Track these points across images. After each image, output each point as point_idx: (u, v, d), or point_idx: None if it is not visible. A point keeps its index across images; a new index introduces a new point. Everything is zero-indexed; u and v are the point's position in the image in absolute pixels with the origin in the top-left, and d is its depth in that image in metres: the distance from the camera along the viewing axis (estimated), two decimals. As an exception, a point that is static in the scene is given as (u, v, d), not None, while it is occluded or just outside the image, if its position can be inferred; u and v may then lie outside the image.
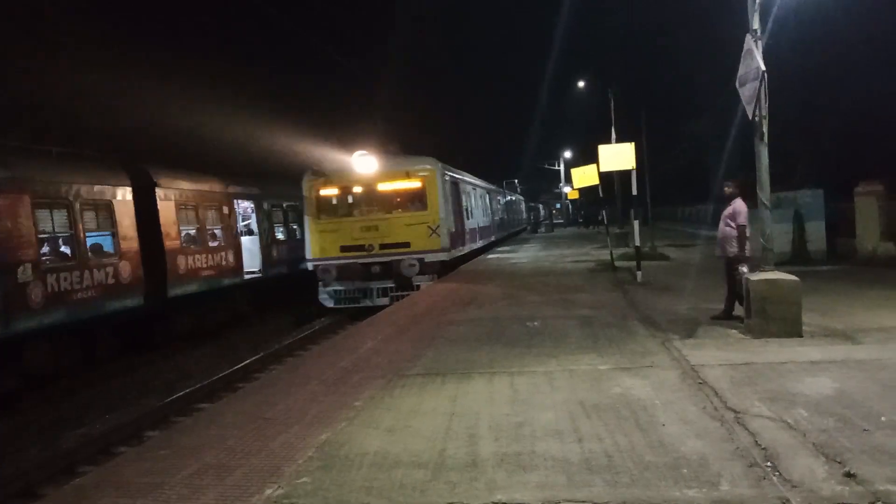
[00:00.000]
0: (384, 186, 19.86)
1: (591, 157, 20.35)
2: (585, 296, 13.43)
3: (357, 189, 20.07)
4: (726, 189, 10.11)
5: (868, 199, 16.23)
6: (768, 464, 4.52)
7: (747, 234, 9.73)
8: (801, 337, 8.31)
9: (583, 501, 4.15)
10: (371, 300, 19.09)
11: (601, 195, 22.48)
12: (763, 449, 4.78)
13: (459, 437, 5.44)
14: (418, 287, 18.24)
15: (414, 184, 19.67)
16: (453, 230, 20.58)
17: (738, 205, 9.83)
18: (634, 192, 16.50)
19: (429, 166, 19.65)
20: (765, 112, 8.49)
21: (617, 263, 18.94)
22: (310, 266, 19.71)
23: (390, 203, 20.07)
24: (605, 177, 19.96)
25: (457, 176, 23.49)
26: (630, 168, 15.77)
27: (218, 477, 4.95)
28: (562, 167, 64.37)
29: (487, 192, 33.88)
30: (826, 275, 14.34)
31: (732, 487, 4.21)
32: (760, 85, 8.32)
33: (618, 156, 15.88)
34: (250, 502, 4.46)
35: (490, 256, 27.34)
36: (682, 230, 40.84)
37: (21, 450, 9.84)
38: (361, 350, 9.32)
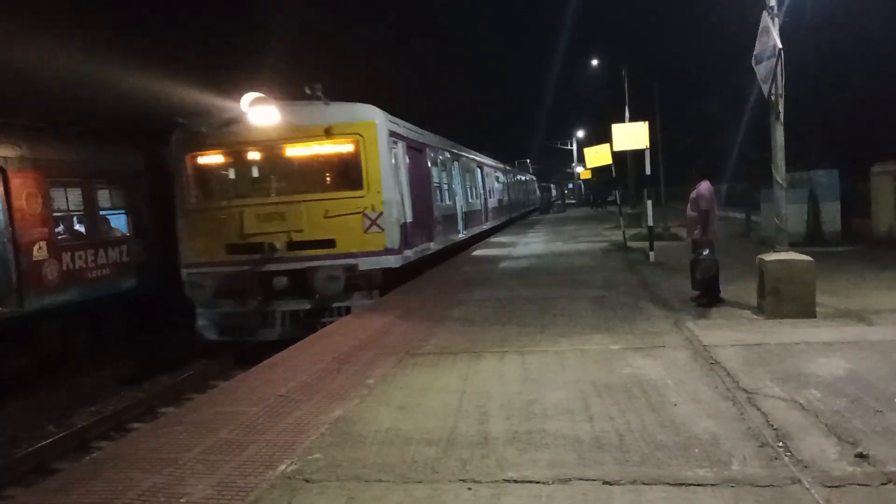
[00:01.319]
0: (294, 151, 12.99)
1: (603, 137, 20.25)
2: (598, 276, 13.41)
3: (252, 155, 13.34)
4: (692, 173, 10.16)
5: (884, 179, 16.08)
6: (780, 444, 4.52)
7: (711, 217, 9.70)
8: (815, 318, 8.27)
9: (594, 480, 4.16)
10: (274, 331, 12.43)
11: (614, 175, 22.35)
12: (775, 429, 4.78)
13: (471, 415, 5.47)
14: (347, 311, 12.10)
15: (341, 146, 12.87)
16: (410, 220, 13.98)
17: (703, 188, 9.76)
18: (648, 171, 16.39)
19: (364, 118, 12.71)
20: (781, 90, 8.40)
21: (630, 244, 18.88)
22: (183, 275, 12.97)
23: (304, 177, 13.16)
24: (617, 156, 19.83)
25: (419, 138, 16.39)
26: (643, 147, 15.67)
27: (232, 453, 5.00)
28: (574, 147, 64.00)
29: (481, 167, 27.24)
30: (840, 255, 14.24)
31: (744, 467, 4.21)
32: (777, 63, 8.23)
33: (631, 135, 15.78)
34: (264, 478, 4.50)
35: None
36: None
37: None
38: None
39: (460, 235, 20.92)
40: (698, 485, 4.02)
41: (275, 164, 13.29)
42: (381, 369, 7.04)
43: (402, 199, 13.67)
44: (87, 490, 4.53)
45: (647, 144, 15.61)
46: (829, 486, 3.91)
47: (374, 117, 12.86)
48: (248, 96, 12.27)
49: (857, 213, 17.19)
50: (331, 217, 12.54)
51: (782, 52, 8.17)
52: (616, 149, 16.81)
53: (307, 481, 4.41)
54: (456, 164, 21.45)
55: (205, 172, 13.59)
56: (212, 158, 13.51)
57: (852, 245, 15.94)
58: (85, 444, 9.21)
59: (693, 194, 9.90)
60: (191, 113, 13.28)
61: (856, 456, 4.26)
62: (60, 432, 9.61)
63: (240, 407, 6.14)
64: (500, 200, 32.79)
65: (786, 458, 4.30)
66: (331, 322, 11.04)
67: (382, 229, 12.55)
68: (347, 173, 12.94)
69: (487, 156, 31.42)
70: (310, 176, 13.33)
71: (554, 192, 79.91)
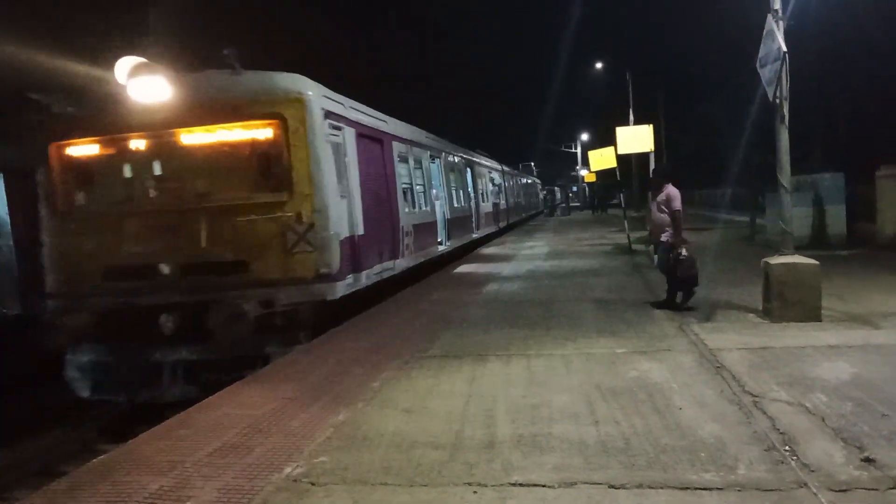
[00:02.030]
0: (192, 138, 9.66)
1: (607, 140, 20.25)
2: (602, 279, 13.39)
3: (136, 144, 9.80)
4: (655, 176, 10.21)
5: (889, 183, 16.03)
6: (786, 448, 4.52)
7: (681, 219, 9.68)
8: (820, 321, 8.26)
9: (599, 483, 4.16)
10: (161, 391, 8.93)
11: (618, 178, 22.35)
12: (781, 433, 4.78)
13: (476, 419, 5.47)
14: (265, 361, 8.49)
15: (256, 132, 9.54)
16: (361, 233, 10.74)
17: (672, 190, 9.70)
18: (652, 175, 16.37)
19: (288, 93, 9.55)
20: (786, 94, 8.40)
21: (634, 247, 18.86)
22: (48, 307, 9.83)
23: (205, 175, 9.72)
24: (622, 159, 19.81)
25: (379, 126, 13.06)
26: (648, 150, 15.67)
27: (238, 455, 5.01)
28: (579, 150, 64.03)
29: (470, 166, 23.90)
30: (845, 259, 14.21)
31: (750, 471, 4.21)
32: (781, 66, 8.23)
33: (636, 138, 15.83)
34: (270, 481, 4.51)
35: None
36: (698, 213, 40.51)
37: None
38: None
39: (441, 248, 17.64)
40: (704, 489, 4.02)
41: (165, 157, 9.80)
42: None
43: (349, 206, 10.44)
44: (94, 493, 4.54)
45: (652, 147, 15.63)
46: (835, 491, 3.91)
47: (302, 92, 9.53)
48: (126, 62, 8.87)
49: (862, 216, 17.14)
50: (241, 230, 9.26)
51: (787, 55, 8.17)
52: (620, 152, 16.82)
53: (313, 484, 4.42)
54: (437, 161, 18.34)
55: (74, 169, 9.97)
56: (82, 150, 9.91)
57: (857, 248, 15.89)
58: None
59: (662, 196, 9.79)
60: (57, 88, 9.84)
61: (862, 460, 4.26)
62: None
63: (246, 410, 6.15)
64: (495, 205, 29.16)
65: (792, 462, 4.30)
66: (240, 377, 7.45)
67: (314, 247, 9.25)
68: (265, 170, 9.53)
69: (482, 154, 28.85)
70: (213, 173, 9.66)
71: (558, 195, 79.93)
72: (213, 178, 9.71)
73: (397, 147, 14.08)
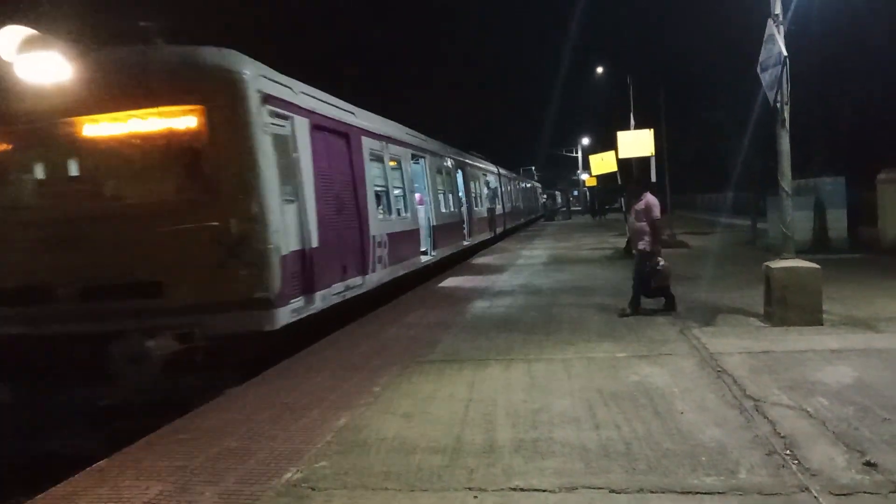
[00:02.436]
0: (95, 129, 7.99)
1: (608, 144, 20.26)
2: (603, 283, 13.37)
3: (27, 136, 8.12)
4: (631, 186, 10.22)
5: (891, 187, 16.02)
6: (787, 452, 4.50)
7: (659, 228, 9.75)
8: (822, 325, 8.24)
9: (600, 488, 4.15)
10: (62, 440, 7.08)
11: (619, 182, 22.36)
12: (782, 437, 4.76)
13: (477, 423, 5.46)
14: (185, 408, 6.58)
15: (175, 121, 7.86)
16: (315, 244, 9.07)
17: (651, 199, 9.73)
18: (654, 179, 16.39)
19: (216, 73, 7.97)
20: (786, 98, 8.41)
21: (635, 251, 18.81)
22: None
23: (112, 175, 8.15)
24: (623, 164, 19.84)
25: (342, 117, 11.13)
26: (649, 155, 15.68)
27: (238, 460, 5.00)
28: (580, 154, 64.08)
29: (461, 168, 22.21)
30: (847, 263, 14.18)
31: (751, 476, 4.20)
32: (782, 70, 8.24)
33: (637, 142, 15.85)
34: (270, 485, 4.50)
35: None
36: (701, 218, 40.55)
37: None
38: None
39: (426, 258, 16.02)
40: (705, 493, 4.00)
41: (62, 153, 8.20)
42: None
43: (299, 212, 8.81)
44: (94, 497, 4.54)
45: (653, 152, 15.63)
46: (837, 495, 3.89)
47: (232, 70, 7.87)
48: (12, 33, 6.96)
49: (864, 220, 17.13)
50: (155, 244, 7.53)
51: (788, 59, 8.18)
52: (621, 156, 16.84)
53: (313, 489, 4.41)
54: (422, 162, 16.74)
55: None
56: None
57: (859, 252, 15.88)
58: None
59: (640, 205, 9.75)
60: None
61: (864, 464, 4.25)
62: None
63: (246, 414, 6.15)
64: (491, 210, 27.30)
65: (793, 467, 4.28)
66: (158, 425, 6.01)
67: (247, 264, 7.58)
68: (186, 168, 7.87)
69: (476, 156, 27.38)
70: (121, 173, 8.05)
71: (559, 200, 79.95)
72: (122, 179, 8.06)
73: (369, 144, 12.28)
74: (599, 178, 26.95)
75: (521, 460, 4.64)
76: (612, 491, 4.10)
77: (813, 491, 3.94)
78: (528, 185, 55.05)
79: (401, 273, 13.45)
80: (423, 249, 15.88)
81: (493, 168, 30.99)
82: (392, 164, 14.03)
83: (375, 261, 11.73)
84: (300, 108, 9.31)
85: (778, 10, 8.46)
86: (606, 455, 4.64)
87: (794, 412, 5.27)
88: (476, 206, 24.13)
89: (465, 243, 21.37)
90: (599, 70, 39.31)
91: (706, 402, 5.67)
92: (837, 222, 16.96)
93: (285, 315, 8.08)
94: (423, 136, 17.71)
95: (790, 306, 8.32)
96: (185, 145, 7.87)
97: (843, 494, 3.90)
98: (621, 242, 21.53)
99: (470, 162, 24.32)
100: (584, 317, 9.87)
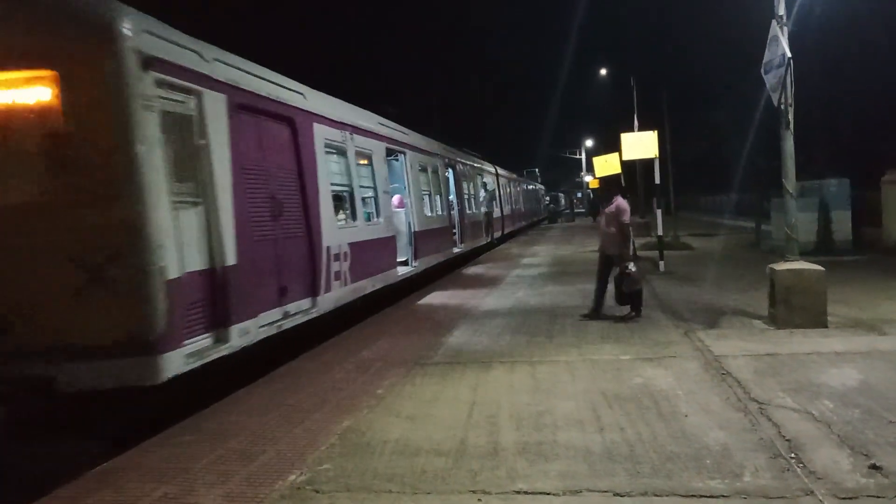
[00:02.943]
0: None
1: (612, 146, 20.23)
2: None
3: None
4: (601, 188, 10.07)
5: (895, 188, 15.99)
6: (792, 455, 4.49)
7: (629, 234, 9.56)
8: (826, 327, 8.23)
9: (605, 491, 4.14)
10: None
11: (623, 184, 22.31)
12: (787, 440, 4.75)
13: (480, 426, 5.46)
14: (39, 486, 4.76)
15: (21, 92, 5.84)
16: (231, 262, 7.11)
17: (622, 203, 9.56)
18: (657, 180, 16.35)
19: (80, 25, 5.85)
20: (790, 99, 8.40)
21: (639, 253, 18.81)
22: None
23: None
24: (626, 165, 19.78)
25: (285, 98, 9.07)
26: (653, 157, 15.65)
27: (242, 463, 5.00)
28: (583, 156, 64.05)
29: (451, 166, 20.15)
30: (851, 265, 14.16)
31: (756, 479, 4.18)
32: (786, 72, 8.23)
33: (640, 144, 15.78)
34: (274, 488, 4.50)
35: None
36: (704, 219, 40.50)
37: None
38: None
39: (405, 270, 13.85)
40: (710, 496, 3.99)
41: None
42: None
43: (207, 218, 6.90)
44: (98, 499, 4.54)
45: (657, 153, 15.59)
46: (841, 498, 3.88)
47: (100, 21, 5.93)
48: None
49: (868, 221, 17.11)
50: None
51: (791, 60, 8.17)
52: (625, 158, 16.79)
53: (317, 492, 4.41)
54: (402, 158, 14.70)
55: None
56: None
57: (863, 254, 15.85)
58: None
59: (611, 208, 9.59)
60: None
61: (869, 467, 4.23)
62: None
63: (250, 417, 6.15)
64: (488, 213, 25.32)
65: (798, 470, 4.27)
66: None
67: (119, 290, 5.78)
68: (37, 158, 5.91)
69: (470, 154, 25.02)
70: None
71: (563, 202, 79.90)
72: None
73: (324, 133, 9.98)
74: (602, 179, 26.90)
75: (525, 463, 4.63)
76: (617, 494, 4.09)
77: (818, 494, 3.93)
78: (531, 187, 54.38)
79: (369, 290, 11.47)
80: (402, 259, 13.91)
81: (490, 168, 28.90)
82: (361, 160, 11.85)
83: (331, 277, 9.69)
84: (214, 80, 7.15)
85: (782, 11, 8.45)
86: (610, 458, 4.63)
87: (798, 415, 5.26)
88: (470, 209, 22.13)
89: (457, 251, 19.37)
90: (603, 72, 39.29)
91: (710, 404, 5.66)
92: (842, 224, 16.94)
93: (176, 362, 5.97)
94: (403, 129, 15.42)
95: (794, 308, 8.31)
96: (33, 126, 5.85)
97: (849, 498, 3.88)
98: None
99: (462, 160, 22.20)
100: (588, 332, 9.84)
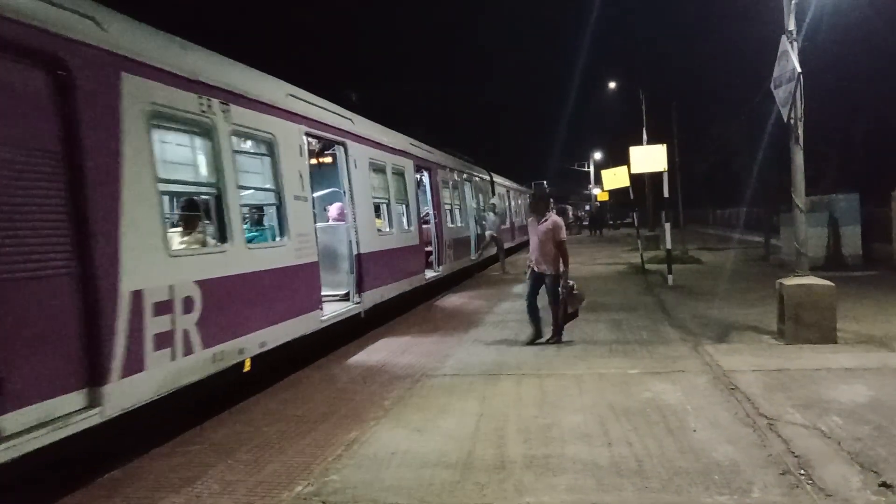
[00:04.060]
0: None
1: (620, 159, 20.24)
2: (616, 299, 13.31)
3: None
4: (534, 202, 9.80)
5: (906, 204, 15.92)
6: (802, 472, 4.46)
7: (566, 250, 9.12)
8: (836, 343, 8.18)
9: (612, 505, 4.12)
10: None
11: (632, 197, 22.29)
12: (796, 456, 4.72)
13: (488, 439, 5.44)
14: None
15: None
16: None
17: (558, 220, 9.16)
18: (666, 194, 16.33)
19: None
20: (800, 114, 8.39)
21: (647, 266, 18.78)
22: None
23: None
24: (635, 178, 19.78)
25: (181, 64, 6.34)
26: (661, 170, 15.65)
27: (248, 473, 5.00)
28: (591, 169, 64.06)
29: (428, 170, 16.40)
30: (861, 280, 14.09)
31: (764, 495, 4.16)
32: (796, 87, 8.23)
33: (649, 158, 15.80)
34: (280, 499, 4.50)
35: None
36: (713, 233, 40.38)
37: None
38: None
39: (331, 313, 9.44)
40: (718, 512, 3.97)
41: None
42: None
43: None
44: (105, 509, 4.54)
45: (666, 167, 15.59)
46: (852, 516, 3.85)
47: None
48: None
49: (878, 237, 17.02)
50: None
51: (801, 75, 8.17)
52: (634, 171, 16.80)
53: (324, 503, 4.40)
54: (342, 152, 10.64)
55: None
56: None
57: (873, 270, 15.76)
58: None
59: (547, 225, 9.10)
60: None
61: (880, 485, 4.20)
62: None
63: (257, 427, 6.15)
64: (481, 226, 21.38)
65: (808, 487, 4.24)
66: None
67: None
68: None
69: (456, 156, 21.10)
70: None
71: (570, 214, 79.78)
72: None
73: (145, 93, 5.85)
74: (611, 192, 26.81)
75: (533, 476, 4.62)
76: (624, 509, 4.07)
77: (828, 511, 3.90)
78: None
79: (243, 356, 7.03)
80: (326, 294, 9.60)
81: (484, 175, 24.91)
82: (256, 148, 8.18)
83: (149, 345, 5.63)
84: (34, 28, 4.71)
85: (791, 26, 8.46)
86: (618, 472, 4.61)
87: (808, 431, 5.23)
88: (453, 223, 18.27)
89: (431, 275, 15.33)
90: (612, 85, 39.29)
91: (719, 419, 5.63)
92: (851, 239, 16.86)
93: None
94: (346, 112, 11.37)
95: (804, 324, 8.27)
96: None
97: (859, 515, 3.85)
98: (633, 257, 21.48)
99: (442, 163, 18.01)
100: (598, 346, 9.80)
